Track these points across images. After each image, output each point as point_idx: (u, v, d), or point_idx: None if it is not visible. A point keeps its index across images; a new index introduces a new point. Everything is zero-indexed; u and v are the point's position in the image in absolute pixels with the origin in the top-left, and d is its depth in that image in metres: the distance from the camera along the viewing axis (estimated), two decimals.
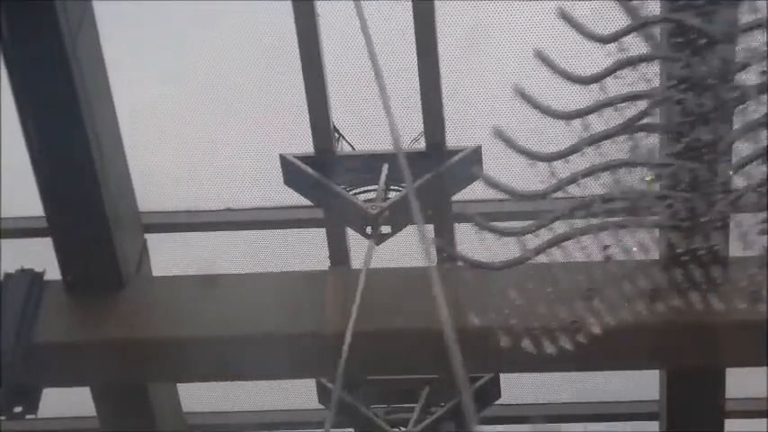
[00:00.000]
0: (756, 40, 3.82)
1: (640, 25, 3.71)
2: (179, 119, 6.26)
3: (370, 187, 5.89)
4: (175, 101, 6.30)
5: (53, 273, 6.09)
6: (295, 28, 5.52)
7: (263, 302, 6.05)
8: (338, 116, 5.88)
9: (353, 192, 5.95)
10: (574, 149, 4.05)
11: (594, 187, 4.18)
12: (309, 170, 5.79)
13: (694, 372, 6.21)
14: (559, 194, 4.31)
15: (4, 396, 5.71)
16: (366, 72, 5.88)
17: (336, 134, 5.88)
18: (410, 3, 5.64)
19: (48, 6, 5.29)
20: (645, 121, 4.09)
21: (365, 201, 5.68)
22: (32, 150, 5.73)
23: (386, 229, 5.64)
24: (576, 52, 5.80)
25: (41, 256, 6.20)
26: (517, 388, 6.44)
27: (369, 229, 5.61)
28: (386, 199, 5.81)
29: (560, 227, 4.40)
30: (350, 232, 5.98)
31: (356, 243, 5.94)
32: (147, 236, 6.28)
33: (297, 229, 6.24)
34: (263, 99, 6.21)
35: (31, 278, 6.02)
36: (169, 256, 6.43)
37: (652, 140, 3.92)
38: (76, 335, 6.02)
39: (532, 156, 4.18)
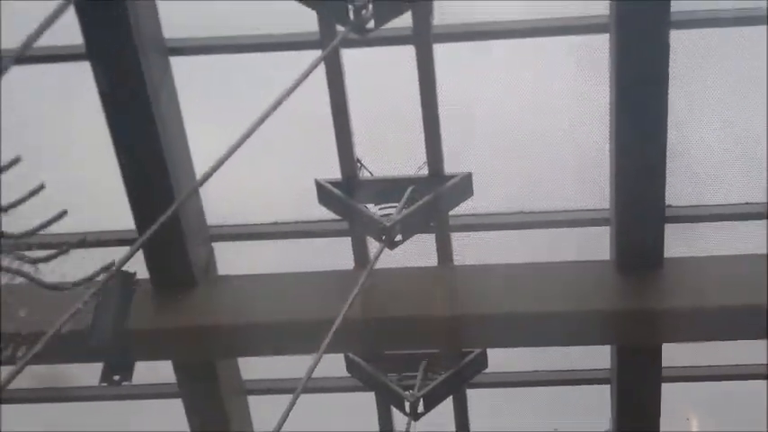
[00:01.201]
0: None
1: None
2: (237, 155, 6.19)
3: (385, 204, 5.69)
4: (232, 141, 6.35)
5: (142, 274, 6.06)
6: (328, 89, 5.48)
7: (304, 294, 6.08)
8: (360, 148, 5.79)
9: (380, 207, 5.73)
10: None
11: None
12: (338, 192, 5.70)
13: (638, 346, 6.20)
14: None
15: (106, 368, 5.80)
16: (382, 110, 5.95)
17: (359, 163, 5.77)
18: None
19: (136, 68, 5.32)
20: None
21: (381, 216, 5.56)
22: (126, 180, 5.74)
23: (398, 237, 5.47)
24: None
25: (135, 261, 5.77)
26: (497, 358, 6.38)
27: (384, 238, 5.46)
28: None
29: None
30: (370, 240, 5.92)
31: (375, 249, 5.61)
32: (213, 244, 6.26)
33: (328, 238, 6.21)
34: (302, 136, 6.01)
35: (125, 277, 5.93)
36: (231, 259, 6.34)
37: None
38: (159, 322, 6.06)
39: None
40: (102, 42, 5.21)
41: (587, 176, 5.94)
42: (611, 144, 5.52)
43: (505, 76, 5.96)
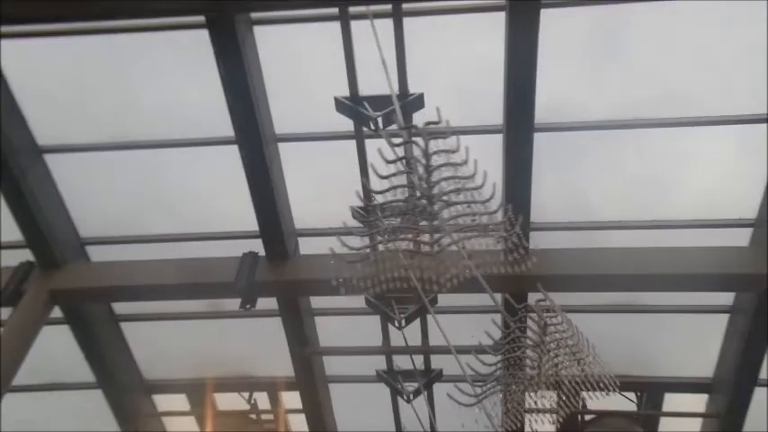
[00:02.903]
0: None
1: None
2: (319, 186, 5.92)
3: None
4: (308, 183, 5.94)
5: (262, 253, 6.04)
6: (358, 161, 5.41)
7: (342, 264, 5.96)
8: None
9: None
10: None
11: None
12: (362, 213, 5.14)
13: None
14: None
15: (242, 301, 5.82)
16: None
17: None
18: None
19: (259, 147, 5.33)
20: None
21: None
22: (256, 205, 5.75)
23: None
24: None
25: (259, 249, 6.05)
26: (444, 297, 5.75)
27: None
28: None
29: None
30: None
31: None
32: (298, 238, 6.18)
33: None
34: (344, 184, 5.44)
35: (254, 255, 6.05)
36: (307, 245, 6.19)
37: None
38: (269, 277, 5.97)
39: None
40: (244, 134, 5.29)
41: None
42: (502, 183, 5.37)
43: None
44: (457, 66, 5.14)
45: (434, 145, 2.95)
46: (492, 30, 4.78)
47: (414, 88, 4.97)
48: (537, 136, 5.16)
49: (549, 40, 4.63)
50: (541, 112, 5.05)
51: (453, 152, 2.93)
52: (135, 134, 5.56)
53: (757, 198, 5.55)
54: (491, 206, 3.04)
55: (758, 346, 6.07)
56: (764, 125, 5.17)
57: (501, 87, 4.94)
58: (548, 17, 4.57)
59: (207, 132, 5.50)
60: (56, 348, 6.50)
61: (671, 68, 5.02)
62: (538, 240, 5.64)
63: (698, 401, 6.86)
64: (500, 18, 4.69)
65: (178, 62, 5.10)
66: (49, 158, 5.81)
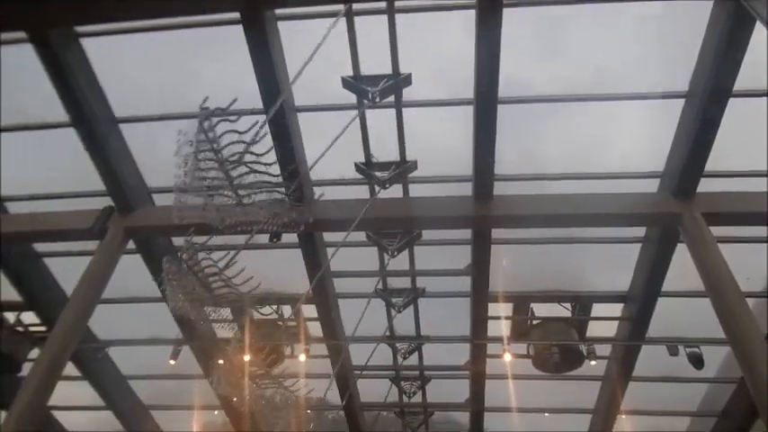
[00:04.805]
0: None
1: None
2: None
3: (382, 172, 5.57)
4: (321, 143, 5.20)
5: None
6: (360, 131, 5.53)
7: (348, 206, 5.78)
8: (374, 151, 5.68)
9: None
10: None
11: None
12: (364, 167, 5.58)
13: (481, 230, 6.31)
14: None
15: (270, 236, 5.80)
16: (382, 137, 5.58)
17: (372, 156, 5.63)
18: None
19: (282, 118, 5.32)
20: None
21: (381, 178, 5.49)
22: (279, 159, 5.29)
23: (387, 186, 5.47)
24: None
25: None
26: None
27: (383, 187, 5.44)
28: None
29: None
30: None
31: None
32: (314, 188, 6.14)
33: (360, 186, 6.00)
34: (349, 147, 5.59)
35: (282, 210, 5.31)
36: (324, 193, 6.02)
37: None
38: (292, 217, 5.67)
39: None
40: (270, 106, 5.04)
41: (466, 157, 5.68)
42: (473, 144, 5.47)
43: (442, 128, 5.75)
44: (439, 51, 5.27)
45: (222, 127, 3.12)
46: (465, 23, 4.91)
47: (404, 69, 5.05)
48: (500, 107, 5.27)
49: (509, 32, 4.74)
50: (503, 88, 5.16)
51: (243, 132, 3.07)
52: (190, 107, 5.54)
53: (664, 155, 5.83)
54: (273, 171, 3.33)
55: (661, 268, 6.47)
56: (677, 100, 5.37)
57: (472, 68, 5.07)
58: (508, 14, 4.67)
59: (241, 105, 5.59)
60: (131, 271, 6.76)
61: (603, 55, 5.23)
62: (501, 189, 5.90)
63: (616, 309, 7.31)
64: (471, 14, 4.83)
65: (221, 51, 5.29)
66: (124, 127, 6.10)
